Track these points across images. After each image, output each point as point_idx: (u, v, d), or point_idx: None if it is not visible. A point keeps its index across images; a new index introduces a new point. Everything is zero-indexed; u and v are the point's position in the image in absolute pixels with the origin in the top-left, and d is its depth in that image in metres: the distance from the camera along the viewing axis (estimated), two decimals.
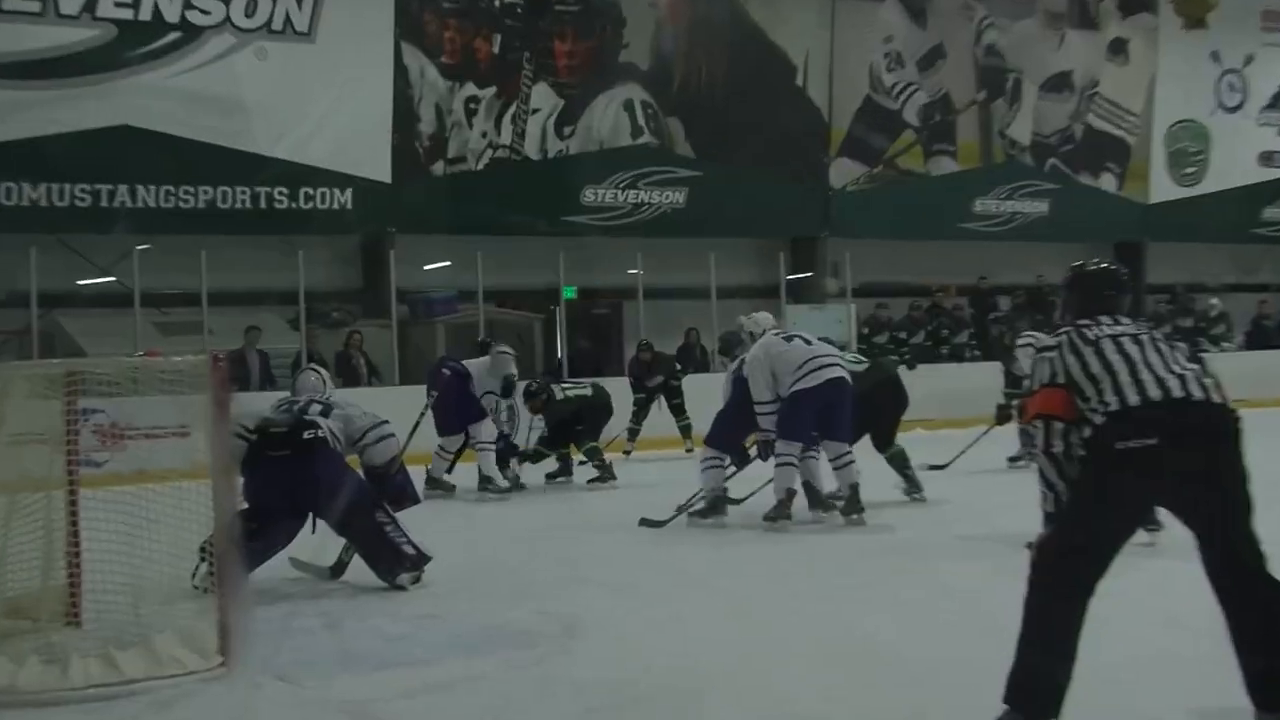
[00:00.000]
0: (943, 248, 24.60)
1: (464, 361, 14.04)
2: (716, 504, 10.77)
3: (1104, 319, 5.17)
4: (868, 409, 10.92)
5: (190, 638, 6.33)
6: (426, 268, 21.08)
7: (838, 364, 10.51)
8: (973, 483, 12.85)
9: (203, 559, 7.15)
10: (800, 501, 10.51)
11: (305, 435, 8.26)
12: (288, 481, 8.15)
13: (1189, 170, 27.27)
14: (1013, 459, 13.95)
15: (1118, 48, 27.01)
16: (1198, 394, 4.78)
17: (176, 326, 18.20)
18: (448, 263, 21.01)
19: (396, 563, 8.18)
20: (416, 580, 8.19)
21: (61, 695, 5.88)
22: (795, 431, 10.30)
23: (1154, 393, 4.80)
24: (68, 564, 6.85)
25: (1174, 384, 4.82)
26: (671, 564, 9.19)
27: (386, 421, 8.79)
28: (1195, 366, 4.91)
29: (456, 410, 13.56)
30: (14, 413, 6.77)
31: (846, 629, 6.93)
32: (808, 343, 10.59)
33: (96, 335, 17.41)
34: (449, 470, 13.75)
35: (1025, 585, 4.78)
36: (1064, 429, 4.95)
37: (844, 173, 24.42)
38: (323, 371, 9.84)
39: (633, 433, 16.96)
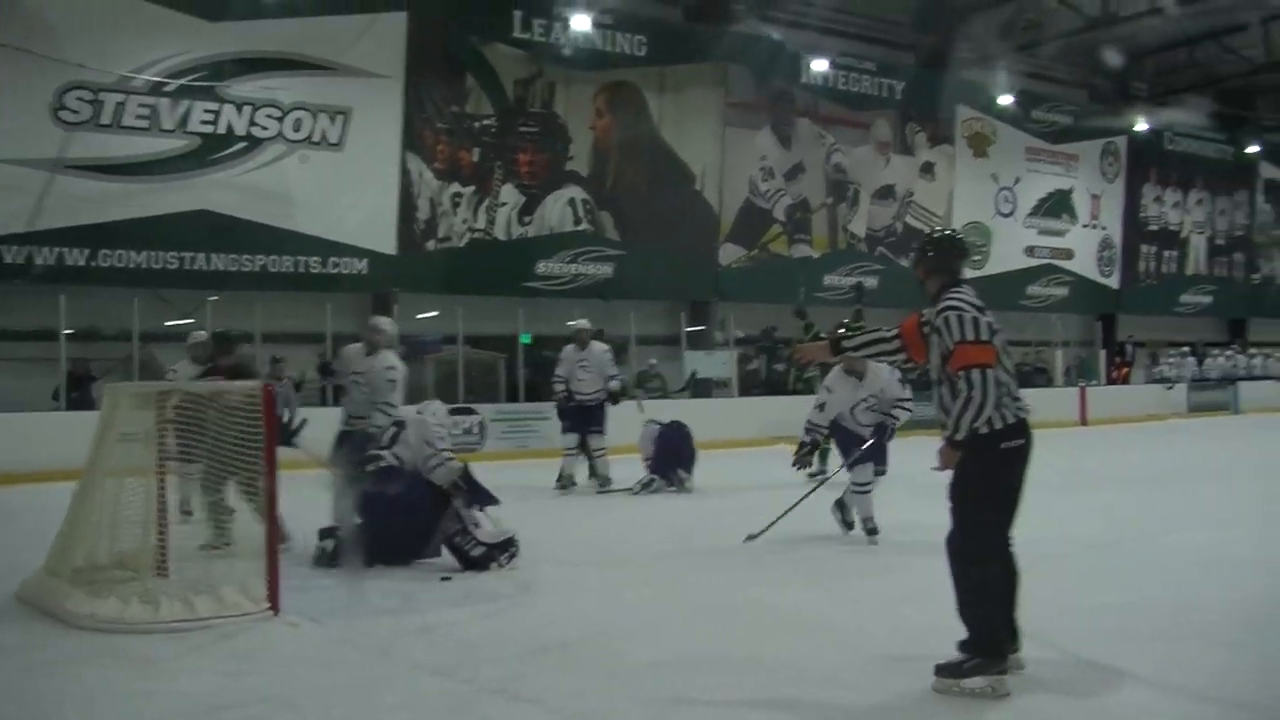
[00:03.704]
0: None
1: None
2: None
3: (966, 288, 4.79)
4: None
5: (246, 588, 6.33)
6: (419, 317, 20.54)
7: None
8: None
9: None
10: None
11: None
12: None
13: (976, 257, 27.28)
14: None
15: (927, 168, 27.36)
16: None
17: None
18: (436, 313, 20.56)
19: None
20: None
21: (153, 627, 5.93)
22: None
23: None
24: (158, 530, 6.80)
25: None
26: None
27: (439, 451, 8.07)
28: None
29: None
30: (122, 419, 6.81)
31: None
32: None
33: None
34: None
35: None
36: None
37: (729, 254, 24.38)
38: (416, 413, 8.46)
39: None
